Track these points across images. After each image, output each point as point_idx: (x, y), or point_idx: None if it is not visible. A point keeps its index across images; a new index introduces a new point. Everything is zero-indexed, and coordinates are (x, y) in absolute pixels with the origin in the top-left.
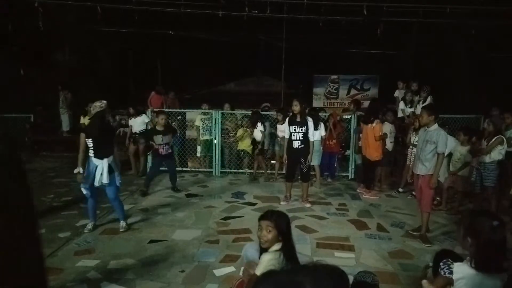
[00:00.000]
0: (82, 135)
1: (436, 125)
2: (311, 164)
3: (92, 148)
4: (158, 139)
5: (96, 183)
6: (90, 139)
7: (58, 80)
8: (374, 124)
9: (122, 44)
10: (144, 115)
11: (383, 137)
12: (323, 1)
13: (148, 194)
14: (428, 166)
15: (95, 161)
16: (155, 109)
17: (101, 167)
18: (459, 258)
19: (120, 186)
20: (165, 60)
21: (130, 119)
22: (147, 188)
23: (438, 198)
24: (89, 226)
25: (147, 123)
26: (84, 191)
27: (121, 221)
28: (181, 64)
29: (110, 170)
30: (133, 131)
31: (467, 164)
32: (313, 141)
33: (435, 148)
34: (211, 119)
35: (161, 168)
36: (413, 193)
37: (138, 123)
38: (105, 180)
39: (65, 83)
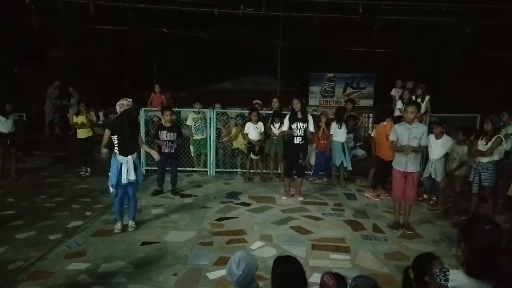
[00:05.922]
0: (107, 131)
1: (416, 121)
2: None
3: (117, 145)
4: (163, 135)
5: (124, 181)
6: (115, 136)
7: (53, 79)
8: (385, 123)
9: (118, 43)
10: (13, 114)
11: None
12: None
13: (162, 192)
14: (417, 163)
15: (120, 158)
16: (156, 108)
17: (126, 165)
18: (437, 260)
19: (141, 183)
20: (161, 58)
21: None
22: (161, 187)
23: (434, 198)
24: (118, 226)
25: (14, 123)
26: (111, 190)
27: (131, 221)
28: (177, 62)
29: (135, 167)
30: (1, 130)
31: (463, 163)
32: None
33: (419, 143)
34: (203, 118)
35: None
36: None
37: (9, 125)
38: (132, 176)
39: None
